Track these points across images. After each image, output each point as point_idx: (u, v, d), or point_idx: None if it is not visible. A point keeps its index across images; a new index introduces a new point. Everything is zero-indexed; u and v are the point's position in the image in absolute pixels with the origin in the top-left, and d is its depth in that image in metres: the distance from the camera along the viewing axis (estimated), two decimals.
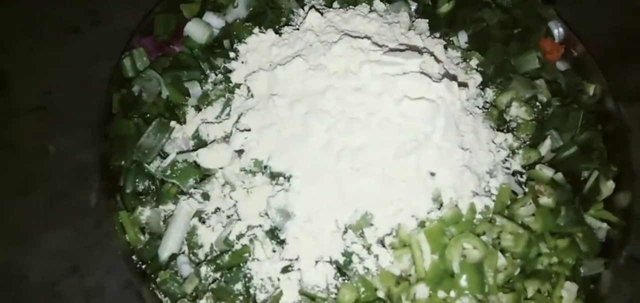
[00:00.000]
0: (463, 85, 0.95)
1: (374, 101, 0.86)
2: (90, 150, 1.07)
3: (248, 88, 0.95)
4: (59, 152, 1.10)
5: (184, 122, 0.96)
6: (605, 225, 1.00)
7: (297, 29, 1.00)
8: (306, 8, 1.06)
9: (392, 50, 0.91)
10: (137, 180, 0.93)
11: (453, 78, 0.93)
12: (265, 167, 0.89)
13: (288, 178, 0.87)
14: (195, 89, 0.99)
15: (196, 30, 1.04)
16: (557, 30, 1.18)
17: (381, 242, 0.85)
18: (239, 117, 0.92)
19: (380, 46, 0.92)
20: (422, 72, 0.88)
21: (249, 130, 0.90)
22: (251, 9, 1.07)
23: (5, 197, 1.06)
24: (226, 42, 1.04)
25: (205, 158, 0.90)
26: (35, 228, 1.03)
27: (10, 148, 1.11)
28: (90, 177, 1.05)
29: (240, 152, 0.90)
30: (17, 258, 1.01)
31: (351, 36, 0.93)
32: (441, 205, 0.86)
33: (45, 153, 1.10)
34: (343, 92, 0.87)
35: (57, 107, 1.14)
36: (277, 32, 1.01)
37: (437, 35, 1.09)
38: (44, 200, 1.06)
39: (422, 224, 0.85)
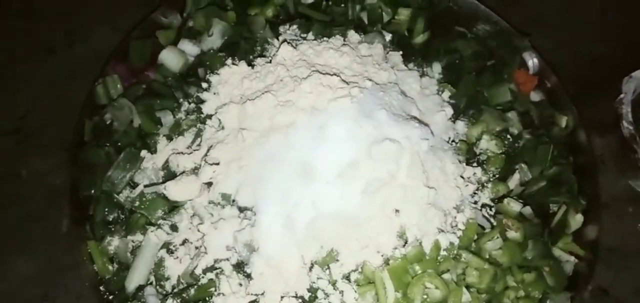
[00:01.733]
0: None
1: (341, 141, 0.87)
2: (63, 175, 1.07)
3: (219, 120, 0.96)
4: (32, 176, 1.10)
5: (155, 152, 0.96)
6: (573, 258, 1.01)
7: (270, 62, 1.00)
8: (281, 38, 1.06)
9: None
10: (106, 209, 0.94)
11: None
12: (233, 200, 0.89)
13: (255, 213, 0.87)
14: (167, 118, 0.99)
15: (171, 59, 1.05)
16: (532, 61, 1.19)
17: (347, 278, 0.86)
18: (208, 150, 0.93)
19: (348, 83, 0.93)
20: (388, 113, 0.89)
21: (217, 163, 0.90)
22: (226, 37, 1.07)
23: None
24: (201, 71, 1.04)
25: (173, 191, 0.90)
26: (6, 253, 1.03)
27: None
28: (62, 202, 1.05)
29: (209, 185, 0.91)
30: None
31: (321, 73, 0.93)
32: (406, 242, 0.87)
33: (18, 177, 1.09)
34: (310, 130, 0.88)
35: (31, 130, 1.14)
36: (250, 63, 1.02)
37: (412, 66, 1.10)
38: (15, 224, 1.05)
39: (387, 261, 0.86)
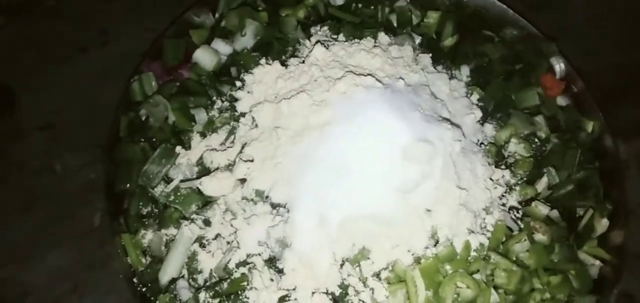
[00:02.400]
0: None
1: (375, 141, 0.88)
2: (96, 170, 1.10)
3: (253, 118, 0.97)
4: (65, 171, 1.12)
5: (189, 148, 0.98)
6: (598, 262, 1.02)
7: (303, 62, 1.02)
8: (312, 39, 1.08)
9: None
10: (141, 203, 0.95)
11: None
12: (267, 197, 0.91)
13: (288, 210, 0.89)
14: (201, 115, 1.01)
15: (204, 58, 1.06)
16: (559, 66, 1.20)
17: (377, 276, 0.87)
18: (243, 147, 0.94)
19: (382, 84, 0.94)
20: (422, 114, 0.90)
21: (252, 160, 0.92)
22: (259, 37, 1.08)
23: (9, 214, 1.07)
24: (233, 70, 1.06)
25: (208, 186, 0.92)
26: (38, 246, 1.05)
27: (17, 166, 1.12)
28: (94, 197, 1.07)
29: (242, 181, 0.92)
30: (19, 276, 1.02)
31: (355, 73, 0.95)
32: (437, 242, 0.88)
33: (52, 172, 1.11)
34: (345, 129, 0.89)
35: (65, 126, 1.16)
36: (283, 63, 1.03)
37: (440, 68, 1.11)
38: (48, 219, 1.07)
39: (418, 260, 0.87)
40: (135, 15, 1.31)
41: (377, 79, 0.95)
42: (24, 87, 1.20)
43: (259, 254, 0.88)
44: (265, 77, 1.00)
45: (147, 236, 0.93)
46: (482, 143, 1.03)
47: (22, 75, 1.22)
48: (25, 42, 1.26)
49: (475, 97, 1.08)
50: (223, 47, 1.09)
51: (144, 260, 0.93)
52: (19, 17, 1.30)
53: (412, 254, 0.87)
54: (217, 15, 1.16)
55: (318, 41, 1.03)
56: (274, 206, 0.90)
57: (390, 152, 0.88)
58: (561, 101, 1.18)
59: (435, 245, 0.88)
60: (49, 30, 1.28)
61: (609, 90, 1.31)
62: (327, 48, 1.02)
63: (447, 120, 0.96)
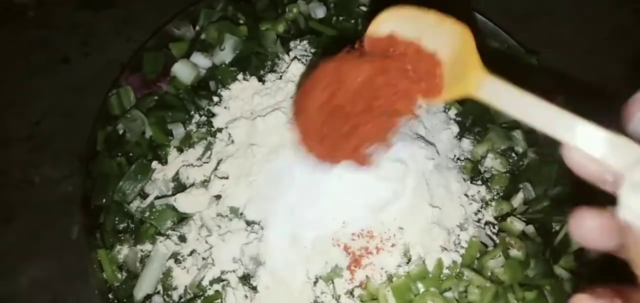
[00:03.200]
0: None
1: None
2: (75, 183, 1.10)
3: (229, 134, 0.97)
4: (44, 183, 1.12)
5: (166, 163, 0.99)
6: (573, 276, 1.02)
7: (280, 78, 1.02)
8: (291, 53, 1.08)
9: None
10: (117, 218, 0.95)
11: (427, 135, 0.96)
12: (241, 214, 0.91)
13: (262, 227, 0.89)
14: (178, 130, 1.01)
15: (183, 71, 1.07)
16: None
17: (350, 294, 0.87)
18: (218, 163, 0.95)
19: None
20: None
21: (227, 177, 0.92)
22: (238, 51, 1.09)
23: None
24: (212, 84, 1.06)
25: (182, 203, 0.92)
26: (18, 258, 1.05)
27: None
28: (73, 209, 1.07)
29: (218, 198, 0.93)
30: (1, 288, 1.03)
31: None
32: (410, 259, 0.89)
33: (31, 184, 1.12)
34: None
35: (45, 138, 1.16)
36: (260, 78, 1.04)
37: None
38: (27, 230, 1.08)
39: (390, 278, 0.87)
40: (118, 25, 1.31)
41: None
42: (6, 98, 1.21)
43: (234, 271, 0.89)
44: (242, 92, 1.00)
45: (123, 251, 0.94)
46: (458, 158, 1.03)
47: (3, 86, 1.22)
48: (7, 52, 1.26)
49: (453, 112, 1.08)
50: (202, 61, 1.09)
51: (119, 276, 0.94)
52: (2, 27, 1.30)
53: (385, 272, 0.87)
54: (197, 28, 1.16)
55: (295, 57, 1.03)
56: (248, 223, 0.91)
57: (362, 171, 0.88)
58: None
59: (407, 263, 0.88)
60: (31, 41, 1.29)
61: (594, 103, 1.31)
62: (304, 64, 1.02)
63: (422, 137, 0.96)
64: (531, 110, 0.54)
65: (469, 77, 0.60)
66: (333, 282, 0.87)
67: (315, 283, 0.87)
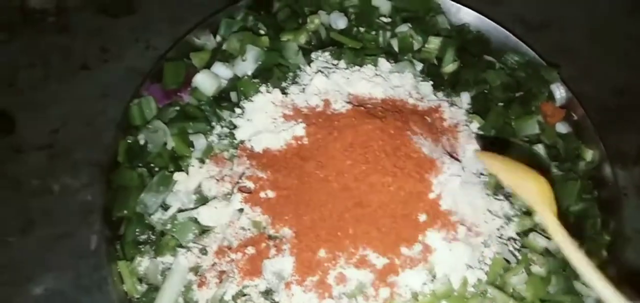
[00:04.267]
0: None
1: (375, 174, 0.88)
2: (94, 192, 1.10)
3: (252, 147, 0.97)
4: (63, 192, 1.12)
5: (188, 174, 0.98)
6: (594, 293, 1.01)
7: (303, 91, 1.02)
8: (313, 65, 1.08)
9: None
10: (137, 230, 0.95)
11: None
12: (264, 228, 0.91)
13: (285, 243, 0.88)
14: (200, 142, 1.01)
15: (205, 82, 1.06)
16: (559, 93, 1.20)
17: None
18: (240, 176, 0.94)
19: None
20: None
21: (250, 191, 0.92)
22: (259, 62, 1.08)
23: (7, 235, 1.07)
24: (234, 95, 1.06)
25: (205, 216, 0.91)
26: (35, 268, 1.05)
27: (14, 185, 1.12)
28: (92, 218, 1.07)
29: (240, 211, 0.92)
30: (16, 299, 1.02)
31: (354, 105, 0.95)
32: (435, 277, 0.88)
33: (50, 192, 1.11)
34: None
35: (64, 146, 1.16)
36: (283, 91, 1.03)
37: (441, 95, 1.10)
38: (45, 240, 1.07)
39: (415, 296, 0.86)
40: (138, 32, 1.31)
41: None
42: (25, 105, 1.20)
43: (255, 286, 0.88)
44: (265, 105, 1.00)
45: (144, 263, 0.93)
46: (481, 173, 1.02)
47: (23, 93, 1.22)
48: (27, 58, 1.26)
49: (475, 126, 1.07)
50: (224, 71, 1.08)
51: (139, 288, 0.93)
52: (21, 33, 1.30)
53: (410, 290, 0.87)
54: (218, 38, 1.16)
55: (319, 71, 1.03)
56: (271, 238, 0.90)
57: (390, 187, 0.87)
58: (561, 128, 1.18)
59: (432, 281, 0.88)
60: (51, 47, 1.28)
61: (608, 113, 1.31)
62: (327, 76, 1.02)
63: (447, 153, 0.95)
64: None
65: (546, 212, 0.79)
66: (356, 300, 0.86)
67: (339, 300, 0.86)
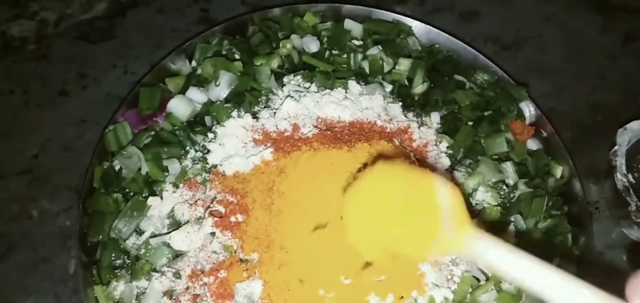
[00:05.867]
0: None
1: (337, 197, 0.89)
2: (72, 217, 1.12)
3: (224, 171, 0.99)
4: (42, 217, 1.13)
5: (161, 199, 1.00)
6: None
7: (274, 115, 1.04)
8: (285, 89, 1.10)
9: None
10: (113, 255, 0.97)
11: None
12: (235, 251, 0.92)
13: (256, 266, 0.90)
14: (174, 166, 1.03)
15: (179, 107, 1.08)
16: (528, 111, 1.22)
17: None
18: (212, 200, 0.96)
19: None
20: None
21: (221, 215, 0.94)
22: (233, 87, 1.10)
23: None
24: (208, 119, 1.08)
25: (177, 240, 0.93)
26: (15, 292, 1.06)
27: None
28: (71, 243, 1.09)
29: (212, 235, 0.94)
30: None
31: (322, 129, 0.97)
32: (402, 298, 0.90)
33: (29, 217, 1.13)
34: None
35: (43, 171, 1.18)
36: (254, 115, 1.05)
37: (411, 116, 1.13)
38: (25, 264, 1.09)
39: None
40: (115, 58, 1.33)
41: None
42: (4, 131, 1.22)
43: None
44: (236, 130, 1.02)
45: (119, 288, 0.95)
46: None
47: (2, 119, 1.24)
48: (6, 85, 1.28)
49: (444, 145, 1.10)
50: (198, 96, 1.11)
51: None
52: (1, 60, 1.32)
53: None
54: (193, 63, 1.18)
55: (288, 95, 1.05)
56: (242, 261, 0.92)
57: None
58: (532, 144, 1.21)
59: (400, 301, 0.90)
60: (30, 74, 1.30)
61: (581, 129, 1.34)
62: (297, 101, 1.04)
63: None
64: (523, 270, 0.57)
65: (458, 234, 0.61)
66: None
67: None
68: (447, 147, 1.10)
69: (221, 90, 1.10)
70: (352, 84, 1.12)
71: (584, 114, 1.38)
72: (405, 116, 1.12)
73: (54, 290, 1.07)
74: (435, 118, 1.14)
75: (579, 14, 1.54)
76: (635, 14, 1.54)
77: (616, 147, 1.18)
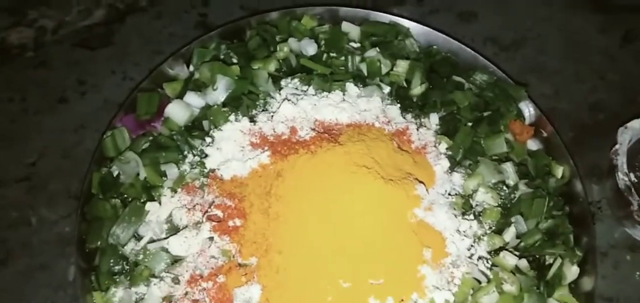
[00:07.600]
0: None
1: (338, 202, 0.89)
2: (71, 223, 1.11)
3: (221, 175, 0.99)
4: (41, 224, 1.13)
5: (160, 204, 0.99)
6: None
7: (271, 118, 1.04)
8: (283, 92, 1.10)
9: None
10: (111, 261, 0.96)
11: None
12: (233, 256, 0.92)
13: (254, 271, 0.90)
14: (172, 171, 1.02)
15: (176, 112, 1.08)
16: (528, 111, 1.21)
17: None
18: (210, 205, 0.96)
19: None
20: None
21: (219, 220, 0.93)
22: (230, 91, 1.10)
23: None
24: (206, 123, 1.08)
25: (175, 245, 0.93)
26: (15, 299, 1.06)
27: None
28: (70, 250, 1.09)
29: (210, 239, 0.94)
30: None
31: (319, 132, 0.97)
32: (402, 301, 0.89)
33: (28, 224, 1.13)
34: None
35: (42, 178, 1.17)
36: (252, 119, 1.05)
37: (409, 117, 1.12)
38: (24, 271, 1.08)
39: None
40: (114, 64, 1.33)
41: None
42: (3, 138, 1.22)
43: None
44: (233, 134, 1.02)
45: (118, 294, 0.94)
46: (449, 193, 1.04)
47: (1, 126, 1.24)
48: (5, 93, 1.28)
49: (443, 146, 1.09)
50: (196, 100, 1.10)
51: None
52: (0, 68, 1.32)
53: None
54: (191, 68, 1.18)
55: (286, 98, 1.05)
56: (241, 265, 0.91)
57: (352, 215, 0.89)
58: (532, 145, 1.20)
59: None
60: (29, 81, 1.30)
61: (582, 129, 1.33)
62: (295, 104, 1.04)
63: (411, 175, 0.97)
64: None
65: None
66: None
67: None
68: (446, 148, 1.09)
69: (219, 94, 1.09)
70: (350, 86, 1.12)
71: (584, 114, 1.37)
72: (404, 117, 1.12)
73: (53, 297, 1.07)
74: (434, 119, 1.13)
75: (578, 13, 1.54)
76: (634, 13, 1.54)
77: (617, 146, 1.17)
